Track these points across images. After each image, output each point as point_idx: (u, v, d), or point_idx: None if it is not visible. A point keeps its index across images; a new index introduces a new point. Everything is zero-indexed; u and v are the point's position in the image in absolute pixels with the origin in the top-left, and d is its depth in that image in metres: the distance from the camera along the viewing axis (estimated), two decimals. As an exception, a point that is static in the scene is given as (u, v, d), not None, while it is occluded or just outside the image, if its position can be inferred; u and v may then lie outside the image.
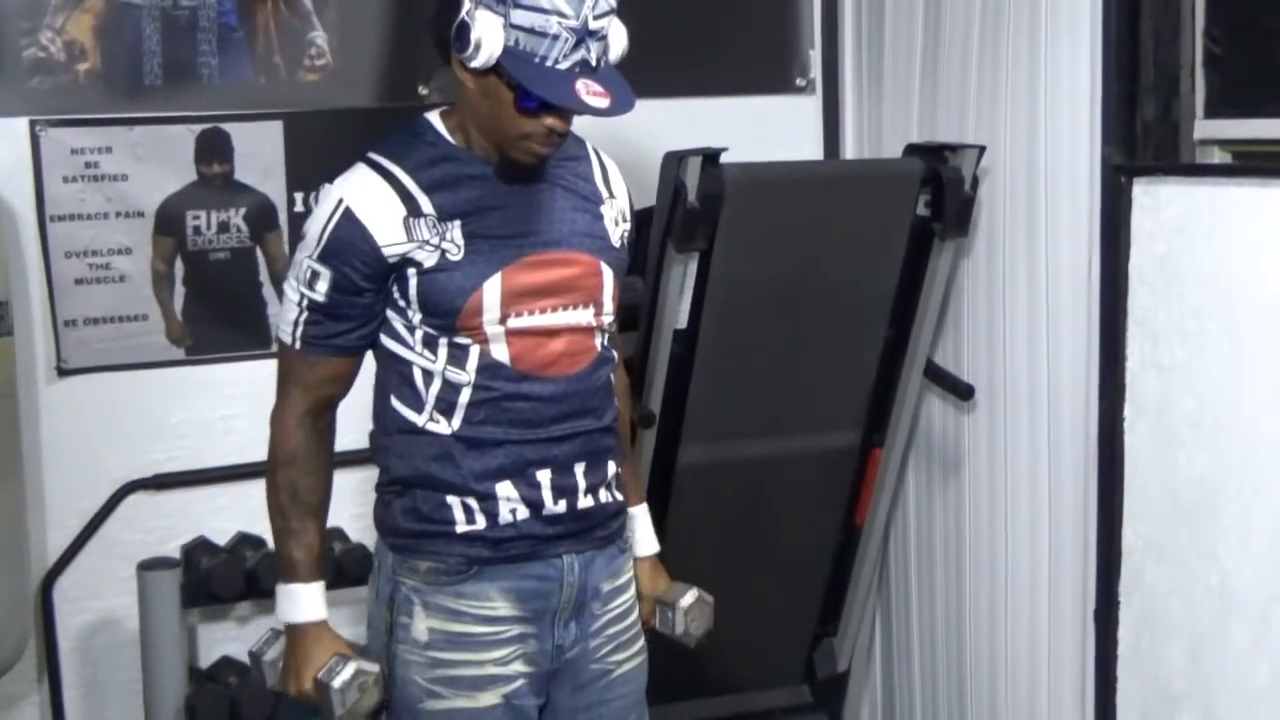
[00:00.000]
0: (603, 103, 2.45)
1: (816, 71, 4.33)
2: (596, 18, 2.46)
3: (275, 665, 2.73)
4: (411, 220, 2.57)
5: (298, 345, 2.63)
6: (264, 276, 3.83)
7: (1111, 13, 3.38)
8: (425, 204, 2.58)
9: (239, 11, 3.73)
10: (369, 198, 2.57)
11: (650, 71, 4.09)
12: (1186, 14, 3.41)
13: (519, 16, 2.43)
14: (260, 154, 3.78)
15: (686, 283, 3.58)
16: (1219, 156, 3.43)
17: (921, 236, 3.82)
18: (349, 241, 2.56)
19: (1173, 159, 3.41)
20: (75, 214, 3.65)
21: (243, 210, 3.79)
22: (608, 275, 2.72)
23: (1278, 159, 3.31)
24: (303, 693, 2.65)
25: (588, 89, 2.46)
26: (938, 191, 3.74)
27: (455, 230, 2.58)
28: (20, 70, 3.57)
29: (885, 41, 4.16)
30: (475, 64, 2.48)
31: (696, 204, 3.45)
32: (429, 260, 2.57)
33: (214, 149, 3.74)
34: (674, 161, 3.45)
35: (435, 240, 2.57)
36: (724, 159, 3.47)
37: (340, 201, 2.57)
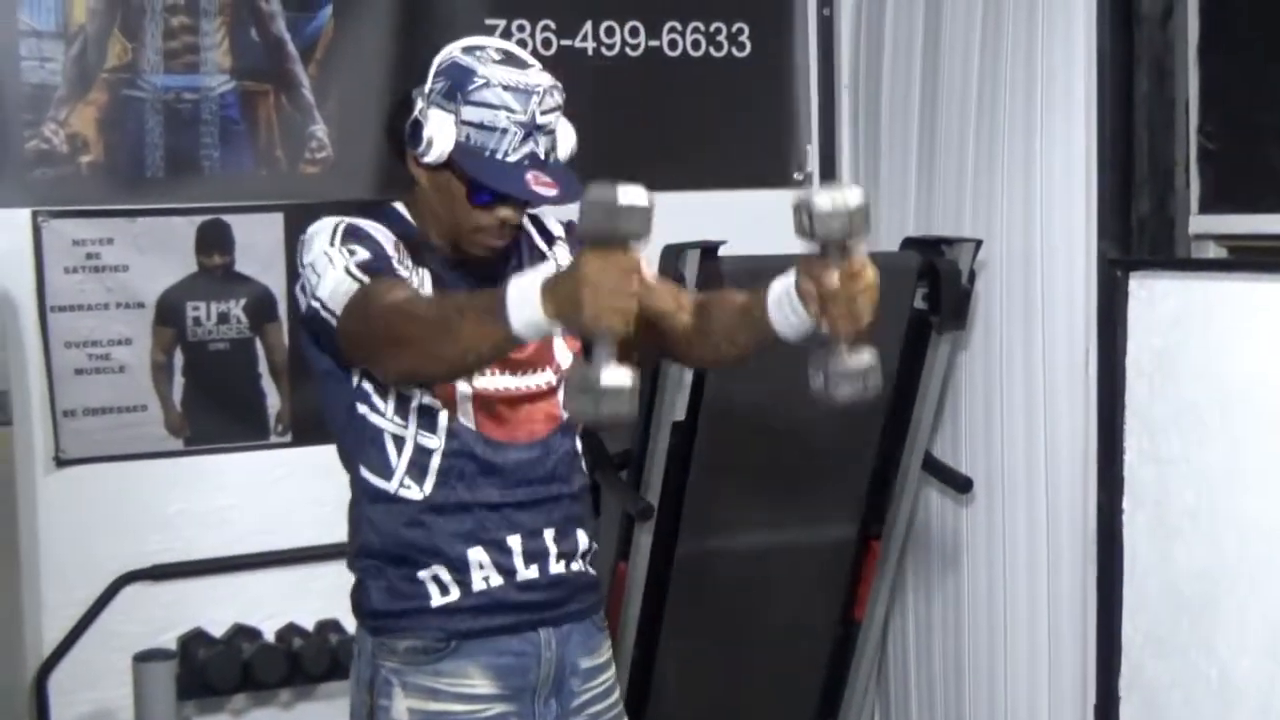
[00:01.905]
0: (551, 192, 2.50)
1: (814, 165, 4.36)
2: (544, 113, 2.52)
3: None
4: (398, 244, 2.59)
5: (357, 274, 2.48)
6: (263, 367, 3.83)
7: (1106, 109, 3.42)
8: (402, 253, 2.59)
9: (241, 105, 3.76)
10: (362, 220, 2.59)
11: (651, 165, 4.16)
12: (1180, 111, 3.46)
13: (469, 113, 2.50)
14: (261, 245, 3.79)
15: (684, 375, 3.58)
16: (1214, 251, 3.46)
17: (919, 329, 3.83)
18: (363, 232, 2.55)
19: (1168, 253, 3.44)
20: (76, 304, 3.65)
21: (243, 301, 3.80)
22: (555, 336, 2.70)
23: (1272, 254, 3.33)
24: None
25: (536, 180, 2.51)
26: (935, 285, 3.75)
27: (426, 278, 2.60)
28: (23, 161, 3.59)
29: (882, 135, 4.19)
30: (428, 159, 2.54)
31: (695, 297, 3.47)
32: None
33: (214, 240, 3.76)
34: (673, 254, 3.47)
35: (415, 279, 2.58)
36: (722, 251, 3.49)
37: (340, 221, 2.57)
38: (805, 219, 2.28)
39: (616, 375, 2.18)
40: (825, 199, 2.25)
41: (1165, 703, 3.20)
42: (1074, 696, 3.60)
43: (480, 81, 2.51)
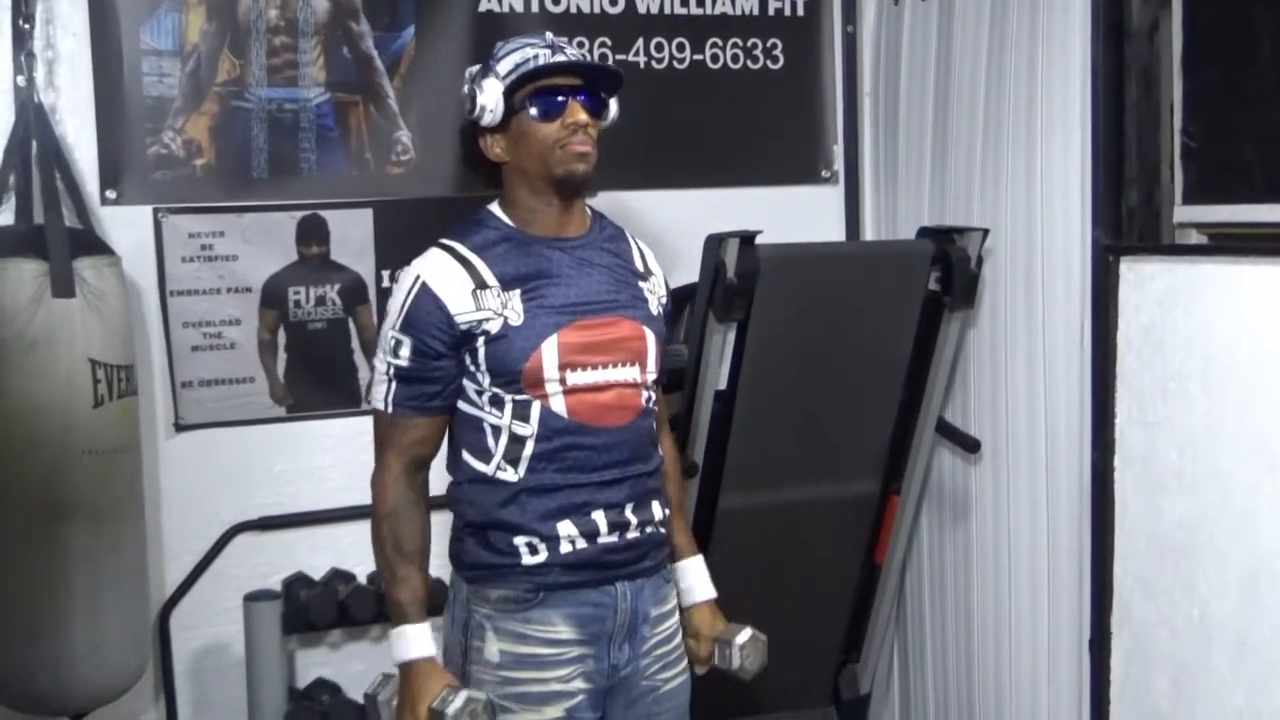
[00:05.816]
0: (588, 62, 2.70)
1: (840, 164, 4.34)
2: (560, 41, 2.72)
3: (390, 705, 2.68)
4: (479, 291, 2.64)
5: (390, 409, 2.67)
6: (355, 344, 3.84)
7: (1099, 111, 3.40)
8: (489, 277, 2.65)
9: (335, 114, 3.77)
10: (442, 273, 2.66)
11: (694, 166, 4.19)
12: (1165, 113, 3.43)
13: (504, 65, 2.68)
14: (353, 237, 3.80)
15: (726, 349, 3.59)
16: (1196, 238, 3.43)
17: (932, 309, 3.82)
18: (426, 310, 2.63)
19: (1155, 240, 3.42)
20: (192, 289, 3.67)
21: (337, 286, 3.81)
22: (650, 338, 2.77)
23: (1247, 240, 3.31)
24: None
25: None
26: (947, 269, 3.74)
27: (516, 299, 2.64)
28: (146, 165, 3.61)
29: (900, 137, 4.18)
30: (491, 118, 2.69)
31: (735, 280, 3.46)
32: (494, 327, 2.62)
33: (313, 233, 3.77)
34: (715, 243, 3.46)
35: (499, 309, 2.63)
36: (759, 241, 3.48)
37: (417, 278, 2.66)
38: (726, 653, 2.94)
39: None
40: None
41: (1152, 638, 3.19)
42: (1071, 633, 3.59)
43: (502, 44, 2.73)
